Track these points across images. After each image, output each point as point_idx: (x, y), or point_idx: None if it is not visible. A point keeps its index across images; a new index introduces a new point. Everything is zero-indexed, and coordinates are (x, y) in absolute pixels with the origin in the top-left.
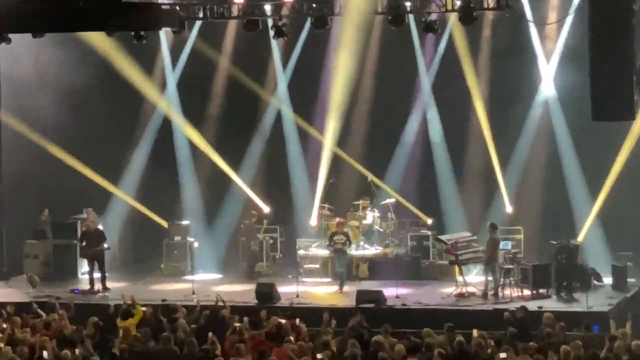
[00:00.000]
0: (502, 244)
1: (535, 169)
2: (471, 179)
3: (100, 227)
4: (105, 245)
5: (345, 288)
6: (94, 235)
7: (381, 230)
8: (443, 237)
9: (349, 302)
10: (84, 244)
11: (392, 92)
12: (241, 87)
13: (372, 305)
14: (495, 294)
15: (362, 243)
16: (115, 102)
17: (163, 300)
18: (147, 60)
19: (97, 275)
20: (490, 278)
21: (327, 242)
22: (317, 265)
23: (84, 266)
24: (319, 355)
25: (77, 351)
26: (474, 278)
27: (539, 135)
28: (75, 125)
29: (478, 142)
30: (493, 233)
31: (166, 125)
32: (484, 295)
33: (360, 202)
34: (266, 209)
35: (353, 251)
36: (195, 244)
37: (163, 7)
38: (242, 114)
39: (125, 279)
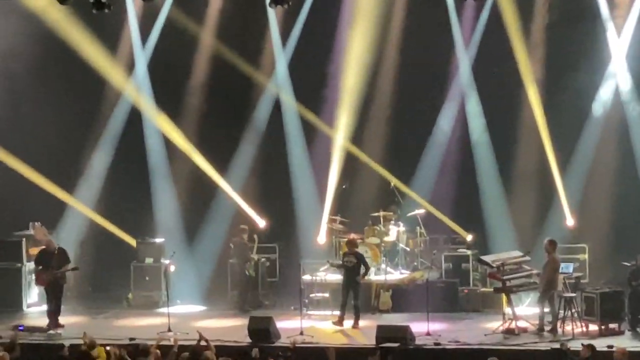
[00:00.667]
0: (562, 267)
1: (602, 172)
2: (522, 184)
3: (59, 245)
4: (70, 266)
5: (362, 323)
6: (55, 255)
7: (408, 249)
8: (486, 258)
9: (367, 340)
10: (40, 267)
11: (421, 75)
12: (230, 69)
13: (396, 344)
14: (553, 330)
15: (383, 266)
16: (69, 88)
17: (131, 339)
18: (110, 35)
19: (44, 307)
20: (546, 309)
21: (338, 264)
22: (327, 294)
23: (31, 296)
24: None
25: None
26: (526, 310)
27: (608, 130)
28: (16, 117)
29: (530, 138)
30: (551, 252)
31: (134, 117)
32: (539, 331)
33: (381, 213)
34: (261, 222)
35: (372, 276)
36: (172, 268)
37: None
38: (231, 103)
39: (82, 313)
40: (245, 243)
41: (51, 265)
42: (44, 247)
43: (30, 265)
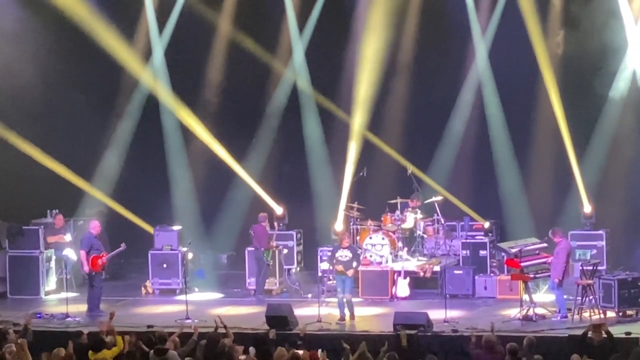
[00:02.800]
0: (578, 253)
1: (621, 158)
2: (539, 171)
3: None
4: (120, 248)
5: (380, 310)
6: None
7: (425, 236)
8: (504, 245)
9: (385, 327)
10: (91, 252)
11: (438, 62)
12: (246, 56)
13: (414, 331)
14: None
15: (400, 253)
16: (86, 75)
17: (149, 326)
18: (127, 23)
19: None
20: (565, 297)
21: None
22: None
23: (49, 284)
24: None
25: None
26: (545, 296)
27: (625, 114)
28: (34, 106)
29: (548, 125)
30: (559, 240)
31: (152, 105)
32: (560, 316)
33: (398, 200)
34: (279, 210)
35: (389, 263)
36: (190, 255)
37: None
38: (248, 90)
39: (100, 301)
40: (266, 231)
41: (102, 249)
42: (92, 232)
43: (48, 252)
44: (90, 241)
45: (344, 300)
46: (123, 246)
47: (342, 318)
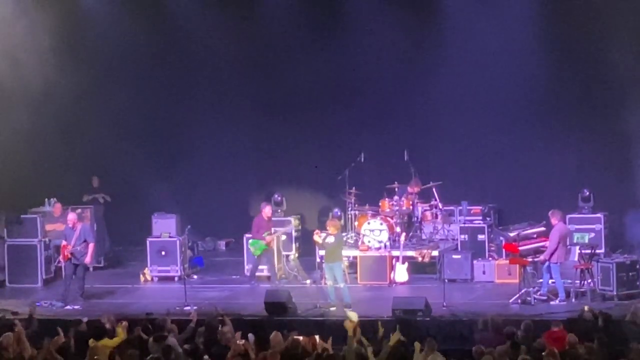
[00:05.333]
0: (576, 237)
1: (618, 139)
2: (537, 153)
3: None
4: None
5: (379, 293)
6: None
7: (423, 221)
8: (502, 229)
9: (384, 311)
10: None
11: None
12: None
13: (413, 316)
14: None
15: (398, 238)
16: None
17: (148, 314)
18: None
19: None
20: (552, 280)
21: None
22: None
23: (47, 272)
24: None
25: None
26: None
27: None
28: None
29: (546, 106)
30: (555, 222)
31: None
32: (558, 300)
33: (396, 185)
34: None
35: (388, 248)
36: (188, 242)
37: None
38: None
39: (99, 288)
40: (262, 221)
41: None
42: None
43: (47, 240)
44: (65, 231)
45: (333, 287)
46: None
47: (333, 305)
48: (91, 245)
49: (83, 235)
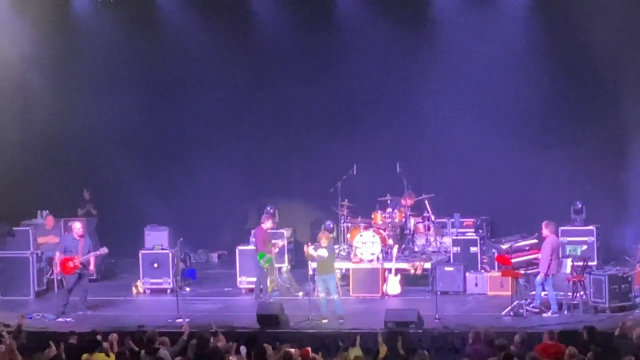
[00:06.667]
0: (568, 249)
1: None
2: (529, 166)
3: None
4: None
5: (371, 306)
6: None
7: (415, 233)
8: (494, 241)
9: (376, 324)
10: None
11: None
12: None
13: (405, 328)
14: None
15: (390, 250)
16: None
17: (140, 326)
18: None
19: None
20: (545, 293)
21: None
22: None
23: (39, 284)
24: None
25: None
26: (535, 292)
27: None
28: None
29: (537, 119)
30: (548, 234)
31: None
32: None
33: (388, 197)
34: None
35: (381, 260)
36: (180, 255)
37: None
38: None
39: (91, 301)
40: (263, 233)
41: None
42: (71, 234)
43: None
44: (65, 243)
45: (325, 299)
46: (103, 250)
47: (325, 317)
48: (94, 254)
49: (87, 245)
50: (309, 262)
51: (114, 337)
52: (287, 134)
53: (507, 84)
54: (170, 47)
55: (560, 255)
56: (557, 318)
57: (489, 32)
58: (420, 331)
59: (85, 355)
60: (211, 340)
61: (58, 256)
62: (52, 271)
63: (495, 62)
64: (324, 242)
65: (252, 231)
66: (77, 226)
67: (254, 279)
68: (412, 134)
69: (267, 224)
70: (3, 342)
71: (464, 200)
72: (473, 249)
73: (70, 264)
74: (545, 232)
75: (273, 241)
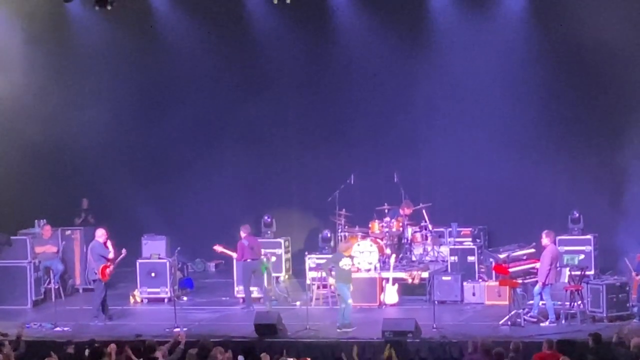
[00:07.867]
0: (566, 258)
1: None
2: (527, 175)
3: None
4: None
5: (369, 315)
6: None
7: (413, 243)
8: (492, 250)
9: (374, 333)
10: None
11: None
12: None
13: (402, 338)
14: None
15: (388, 259)
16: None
17: (137, 335)
18: None
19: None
20: (543, 302)
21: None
22: (333, 289)
23: (37, 293)
24: None
25: None
26: (533, 301)
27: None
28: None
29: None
30: (548, 244)
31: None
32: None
33: (386, 207)
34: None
35: (378, 270)
36: (178, 264)
37: None
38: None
39: (88, 310)
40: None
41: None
42: (99, 240)
43: (36, 262)
44: (98, 251)
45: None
46: (124, 252)
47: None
48: (121, 258)
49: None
50: (307, 272)
51: (112, 347)
52: (285, 144)
53: (505, 93)
54: (167, 56)
55: (558, 265)
56: (554, 327)
57: (487, 42)
58: (418, 340)
59: None
60: (212, 351)
61: (95, 265)
62: (50, 280)
63: (493, 72)
64: (347, 252)
65: (245, 241)
66: (100, 232)
67: (255, 289)
68: (410, 144)
69: (242, 234)
70: (4, 351)
71: (462, 210)
72: (470, 259)
73: (108, 271)
74: (545, 241)
75: (264, 251)
